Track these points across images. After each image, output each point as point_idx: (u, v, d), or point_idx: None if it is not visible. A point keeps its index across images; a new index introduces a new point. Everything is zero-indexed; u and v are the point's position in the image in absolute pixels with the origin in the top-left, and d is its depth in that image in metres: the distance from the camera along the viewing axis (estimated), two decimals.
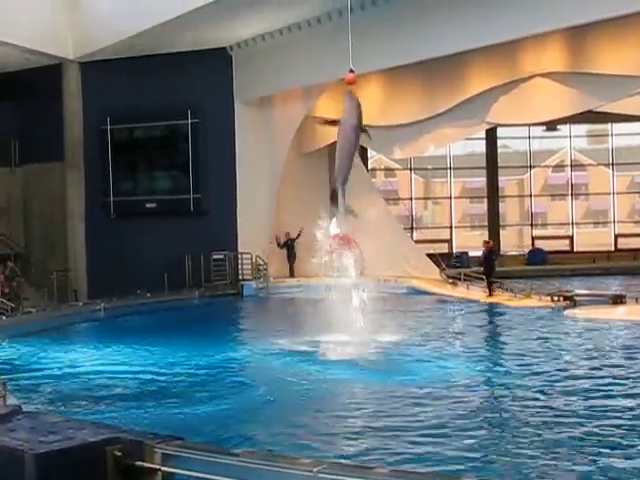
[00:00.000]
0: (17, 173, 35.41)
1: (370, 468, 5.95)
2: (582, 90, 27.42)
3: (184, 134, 33.24)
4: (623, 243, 41.73)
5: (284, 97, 33.07)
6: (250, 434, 11.68)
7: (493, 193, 41.86)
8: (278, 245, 33.34)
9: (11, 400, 11.04)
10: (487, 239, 33.17)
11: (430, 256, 33.38)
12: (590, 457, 10.10)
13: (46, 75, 33.68)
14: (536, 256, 39.89)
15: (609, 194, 43.12)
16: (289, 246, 33.28)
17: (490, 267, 28.71)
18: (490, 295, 27.64)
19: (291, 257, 33.32)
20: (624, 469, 9.65)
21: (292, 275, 33.25)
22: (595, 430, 11.24)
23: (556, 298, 25.46)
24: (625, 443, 10.63)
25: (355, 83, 20.37)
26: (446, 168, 42.37)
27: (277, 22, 29.86)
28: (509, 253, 41.96)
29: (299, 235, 32.42)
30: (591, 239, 43.52)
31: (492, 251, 29.81)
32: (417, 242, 37.00)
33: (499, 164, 41.88)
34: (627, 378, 14.80)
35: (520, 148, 43.62)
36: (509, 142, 44.15)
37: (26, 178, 35.31)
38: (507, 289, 28.17)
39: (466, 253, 39.83)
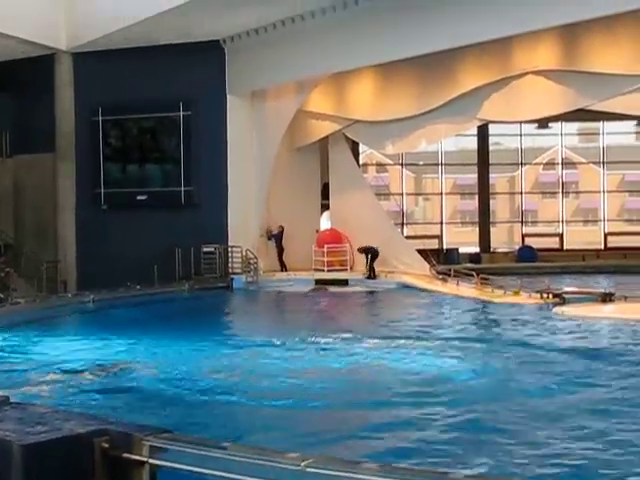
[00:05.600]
0: (8, 164, 35.27)
1: (358, 462, 5.96)
2: (574, 88, 27.48)
3: (176, 126, 33.20)
4: (613, 241, 41.81)
5: (277, 91, 33.03)
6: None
7: (484, 190, 41.92)
8: (268, 235, 33.42)
9: None
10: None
11: (420, 252, 33.49)
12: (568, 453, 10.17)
13: (38, 66, 33.53)
14: (526, 253, 39.91)
15: (599, 192, 43.23)
16: (277, 239, 33.39)
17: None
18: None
19: (280, 250, 33.43)
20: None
21: (284, 268, 33.32)
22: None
23: (545, 295, 25.53)
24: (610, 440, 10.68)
25: None
26: (437, 164, 42.41)
27: (271, 16, 29.75)
28: (499, 250, 42.05)
29: (281, 232, 32.83)
30: (581, 237, 43.63)
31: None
32: (408, 237, 37.02)
33: (490, 161, 41.93)
34: (608, 376, 14.80)
35: (511, 145, 43.70)
36: (501, 139, 44.24)
37: (17, 169, 35.18)
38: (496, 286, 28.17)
39: (456, 249, 39.93)
